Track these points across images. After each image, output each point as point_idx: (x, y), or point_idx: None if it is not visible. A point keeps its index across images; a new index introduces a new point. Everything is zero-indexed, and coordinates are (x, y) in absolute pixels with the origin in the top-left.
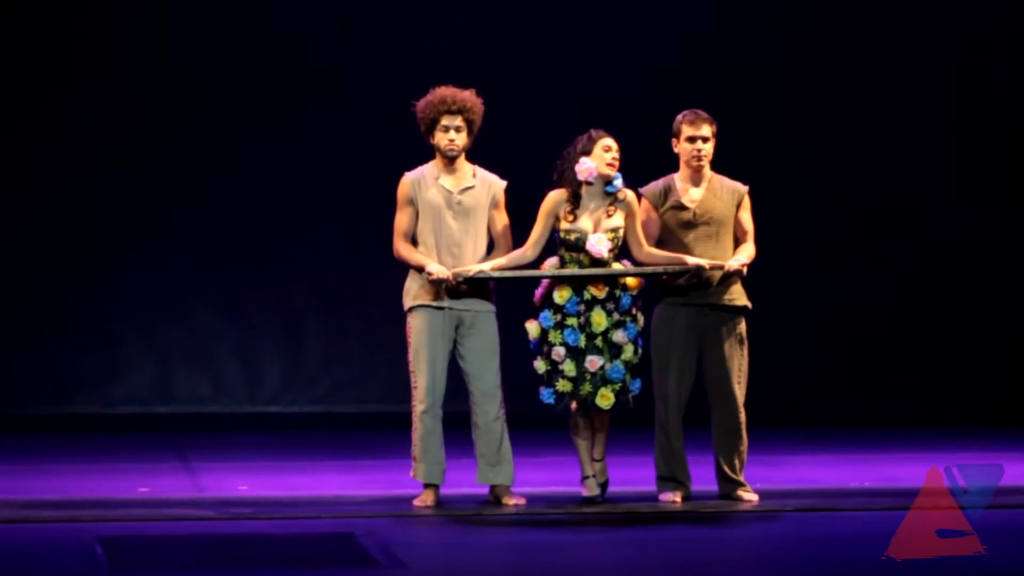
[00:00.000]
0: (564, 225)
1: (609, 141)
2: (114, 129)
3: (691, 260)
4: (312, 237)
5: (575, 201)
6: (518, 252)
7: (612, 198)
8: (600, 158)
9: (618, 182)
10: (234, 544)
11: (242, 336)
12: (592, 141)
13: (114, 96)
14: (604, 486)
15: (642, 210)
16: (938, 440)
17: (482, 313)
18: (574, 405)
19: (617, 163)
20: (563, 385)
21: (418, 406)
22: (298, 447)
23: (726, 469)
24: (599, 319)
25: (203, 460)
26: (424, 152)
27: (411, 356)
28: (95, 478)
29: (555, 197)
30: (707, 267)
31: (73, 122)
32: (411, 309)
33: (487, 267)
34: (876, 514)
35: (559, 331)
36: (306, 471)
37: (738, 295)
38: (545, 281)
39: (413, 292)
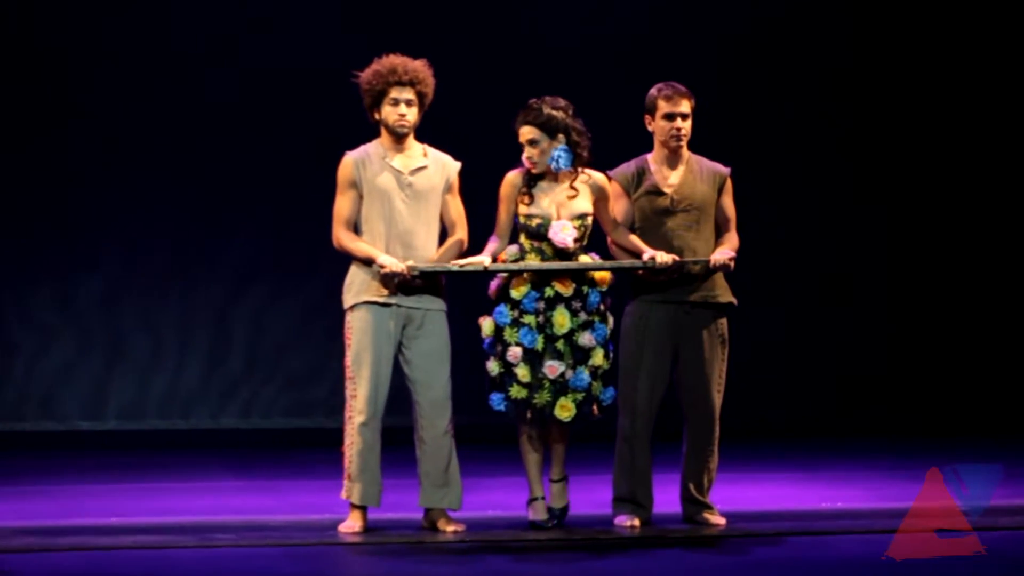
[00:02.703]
0: (523, 209)
1: (522, 131)
2: None
3: (647, 254)
4: None
5: (531, 181)
6: (492, 246)
7: (573, 176)
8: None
9: (561, 161)
10: None
11: None
12: (518, 125)
13: None
14: (563, 511)
15: (613, 196)
16: (912, 455)
17: (433, 312)
18: (528, 414)
19: (533, 160)
20: (517, 391)
21: (356, 417)
22: None
23: (692, 489)
24: (561, 319)
25: None
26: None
27: (350, 359)
28: None
29: (511, 180)
30: (670, 263)
31: None
32: (353, 306)
33: (485, 260)
34: (859, 538)
35: (515, 329)
36: None
37: (723, 291)
38: (501, 273)
39: (356, 287)
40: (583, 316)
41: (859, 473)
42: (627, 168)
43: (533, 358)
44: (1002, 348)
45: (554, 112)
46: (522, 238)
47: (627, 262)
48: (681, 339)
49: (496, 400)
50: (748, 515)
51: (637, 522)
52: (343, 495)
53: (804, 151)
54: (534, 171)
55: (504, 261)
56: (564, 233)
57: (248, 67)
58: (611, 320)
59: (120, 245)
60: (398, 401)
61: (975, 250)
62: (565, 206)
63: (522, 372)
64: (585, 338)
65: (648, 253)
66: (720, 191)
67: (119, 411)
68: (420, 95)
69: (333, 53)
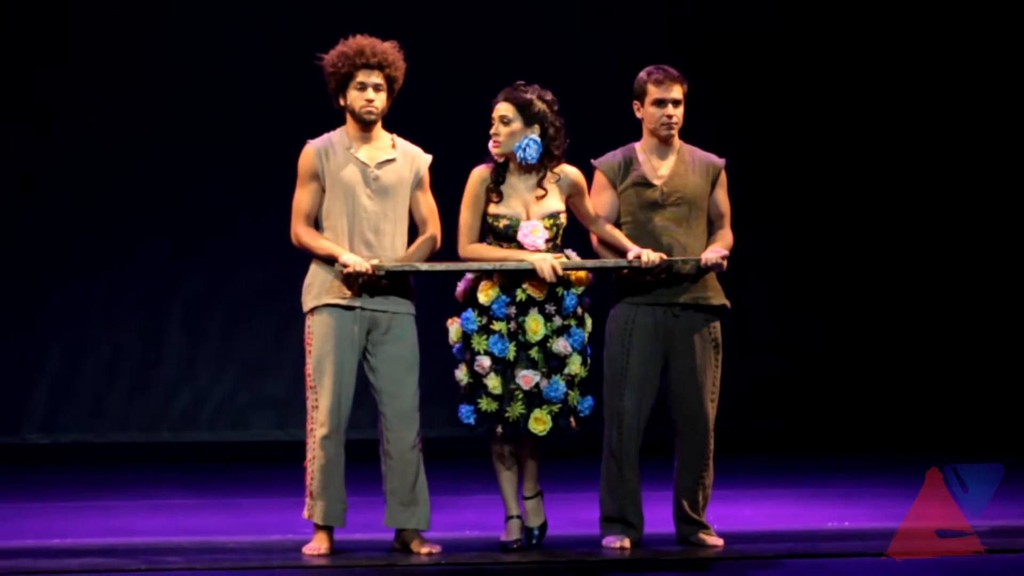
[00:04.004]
0: (491, 208)
1: (498, 106)
2: None
3: (632, 252)
4: None
5: (499, 177)
6: (491, 249)
7: (541, 174)
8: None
9: (528, 151)
10: None
11: None
12: (497, 100)
13: None
14: (542, 530)
15: (596, 187)
16: (924, 472)
17: (400, 315)
18: (499, 429)
19: (498, 139)
20: (487, 403)
21: (318, 430)
22: None
23: (686, 507)
24: (535, 326)
25: None
26: None
27: (311, 367)
28: None
29: (480, 176)
30: (657, 261)
31: None
32: (313, 309)
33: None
34: (866, 561)
35: (484, 336)
36: None
37: (714, 292)
38: (469, 274)
39: (316, 288)
40: (558, 321)
41: (867, 490)
42: (613, 157)
43: (504, 368)
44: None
45: (537, 100)
46: (490, 238)
47: (611, 261)
48: (670, 344)
49: (465, 412)
50: (747, 535)
51: (627, 543)
52: (305, 514)
53: (803, 147)
54: (496, 151)
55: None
56: (535, 236)
57: (204, 61)
58: (589, 323)
59: (71, 245)
60: (365, 412)
61: (988, 257)
62: (535, 205)
63: (493, 383)
64: (560, 345)
65: (633, 251)
66: (714, 184)
67: (63, 423)
68: (389, 79)
69: (296, 38)
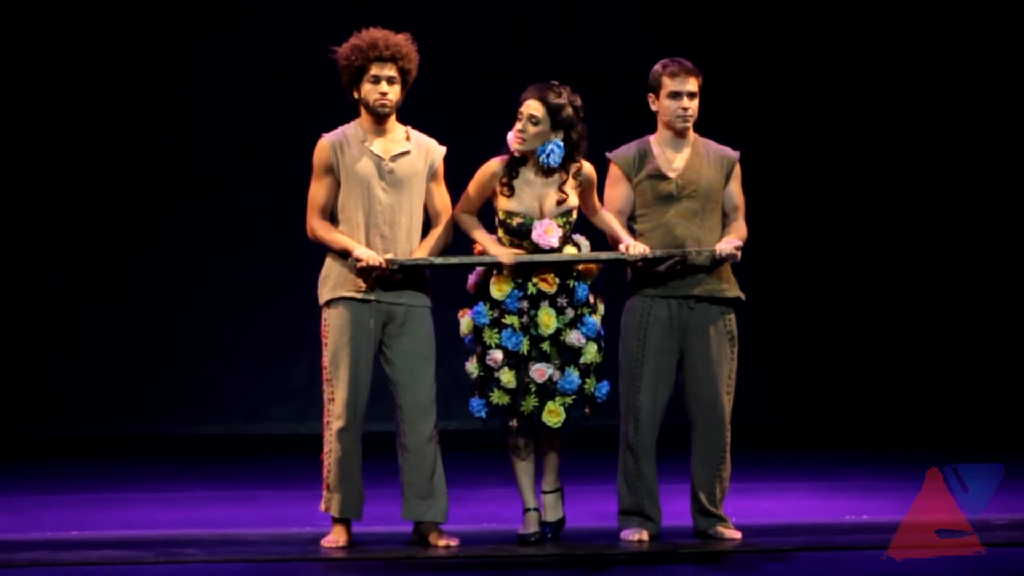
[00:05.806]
0: (503, 203)
1: (528, 104)
2: None
3: (621, 244)
4: None
5: (512, 171)
6: (489, 236)
7: (562, 176)
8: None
9: (552, 157)
10: None
11: None
12: (527, 96)
13: None
14: (559, 525)
15: (611, 180)
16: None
17: (416, 308)
18: (513, 423)
19: (524, 136)
20: (498, 397)
21: (334, 423)
22: None
23: (704, 500)
24: (547, 319)
25: None
26: None
27: (327, 360)
28: None
29: (492, 169)
30: (638, 257)
31: None
32: (329, 302)
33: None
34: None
35: (496, 330)
36: None
37: (730, 284)
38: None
39: (332, 281)
40: (570, 313)
41: (886, 484)
42: (628, 150)
43: (518, 362)
44: None
45: (568, 106)
46: (500, 233)
47: (603, 254)
48: (686, 337)
49: (476, 406)
50: (765, 529)
51: (645, 536)
52: (322, 507)
53: (812, 139)
54: (517, 145)
55: (481, 253)
56: (549, 235)
57: (222, 52)
58: (602, 307)
59: (82, 235)
60: (382, 405)
61: (1002, 253)
62: (549, 201)
63: (506, 377)
64: (574, 337)
65: (623, 243)
66: (728, 177)
67: (80, 415)
68: (403, 72)
69: (308, 32)
